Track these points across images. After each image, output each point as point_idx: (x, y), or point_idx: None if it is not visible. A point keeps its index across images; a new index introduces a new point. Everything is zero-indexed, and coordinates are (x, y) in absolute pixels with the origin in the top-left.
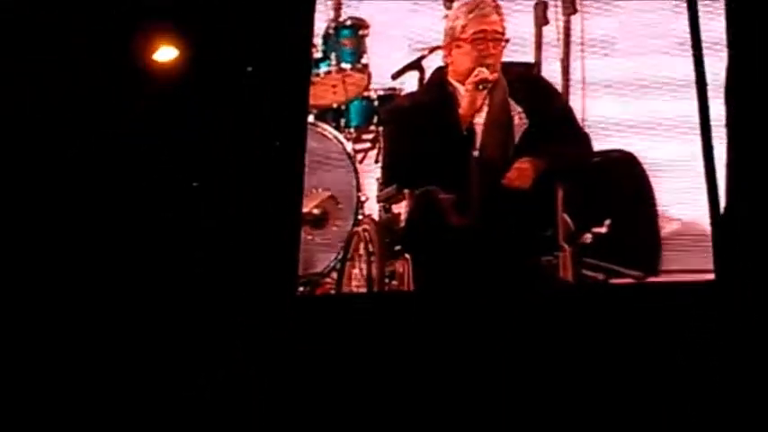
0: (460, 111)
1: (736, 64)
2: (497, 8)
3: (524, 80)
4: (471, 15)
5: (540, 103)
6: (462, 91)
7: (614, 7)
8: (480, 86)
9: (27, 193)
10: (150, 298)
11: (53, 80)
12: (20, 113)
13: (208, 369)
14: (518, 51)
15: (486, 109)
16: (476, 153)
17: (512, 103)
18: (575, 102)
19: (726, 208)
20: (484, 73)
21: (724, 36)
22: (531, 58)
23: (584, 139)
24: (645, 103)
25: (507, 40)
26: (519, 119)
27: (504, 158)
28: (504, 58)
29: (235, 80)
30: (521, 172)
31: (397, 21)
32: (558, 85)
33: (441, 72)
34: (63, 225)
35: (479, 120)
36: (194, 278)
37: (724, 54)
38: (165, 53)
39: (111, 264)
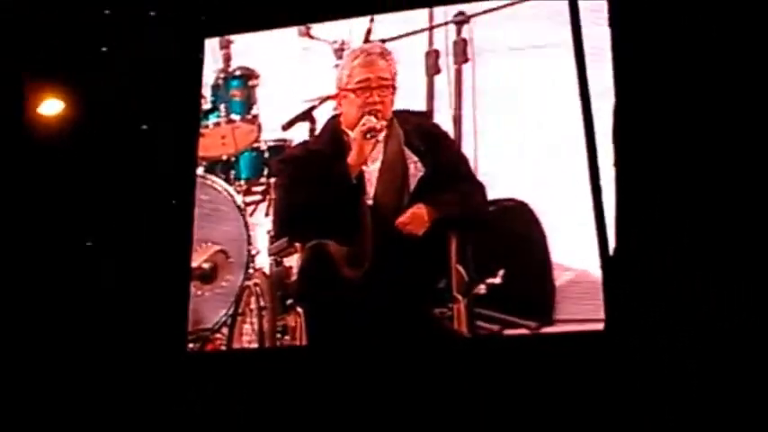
0: (349, 160)
1: (622, 106)
2: (383, 54)
3: (420, 128)
4: (355, 63)
5: (435, 151)
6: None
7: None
8: (368, 135)
9: None
10: (43, 353)
11: None
12: None
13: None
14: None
15: (380, 157)
16: (370, 202)
17: (407, 151)
18: (467, 151)
19: (614, 251)
20: (371, 122)
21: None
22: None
23: (479, 187)
24: (539, 154)
25: (395, 87)
26: (414, 168)
27: (398, 207)
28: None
29: (125, 134)
30: (414, 217)
31: (287, 70)
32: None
33: (334, 121)
34: None
35: (373, 168)
36: (84, 335)
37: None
38: (53, 107)
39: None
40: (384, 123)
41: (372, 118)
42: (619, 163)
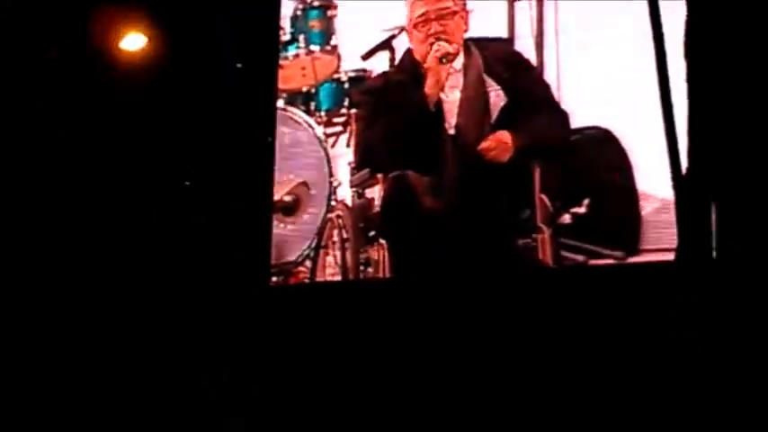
0: (426, 89)
1: (693, 17)
2: None
3: (501, 56)
4: None
5: (517, 79)
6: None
7: None
8: (443, 60)
9: None
10: (124, 293)
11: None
12: None
13: (190, 364)
14: None
15: (460, 86)
16: (451, 131)
17: (488, 80)
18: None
19: (687, 173)
20: (444, 47)
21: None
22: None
23: (563, 116)
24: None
25: (464, 12)
26: (496, 96)
27: (480, 136)
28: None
29: (206, 68)
30: (498, 142)
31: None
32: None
33: (409, 53)
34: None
35: (453, 97)
36: (167, 271)
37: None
38: (133, 41)
39: (82, 258)
40: (457, 47)
41: (444, 43)
42: (691, 79)
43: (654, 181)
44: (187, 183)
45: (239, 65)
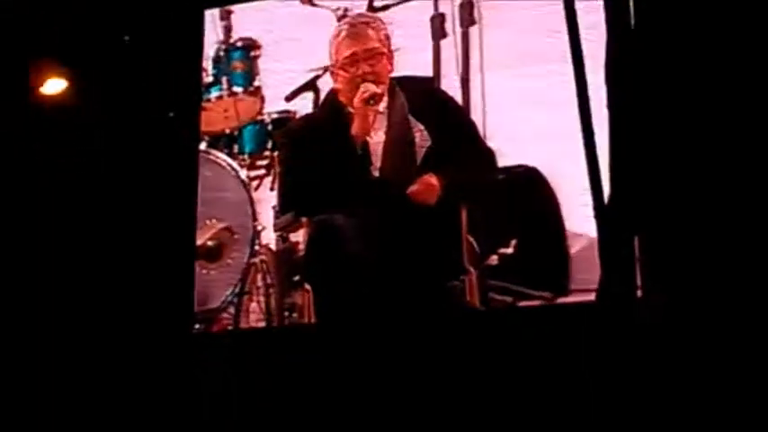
0: (352, 130)
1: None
2: (369, 23)
3: (424, 95)
4: (340, 38)
5: (441, 118)
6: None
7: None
8: (371, 101)
9: None
10: (48, 338)
11: None
12: None
13: (113, 411)
14: None
15: (384, 127)
16: (377, 174)
17: (412, 120)
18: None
19: (609, 200)
20: (371, 88)
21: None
22: None
23: (489, 155)
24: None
25: (389, 52)
26: (420, 136)
27: (406, 178)
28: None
29: (124, 110)
30: (426, 186)
31: (289, 40)
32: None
33: (333, 95)
34: None
35: (378, 139)
36: (89, 317)
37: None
38: (54, 86)
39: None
40: (384, 88)
41: (371, 84)
42: (611, 104)
43: (582, 220)
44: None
45: (171, 113)
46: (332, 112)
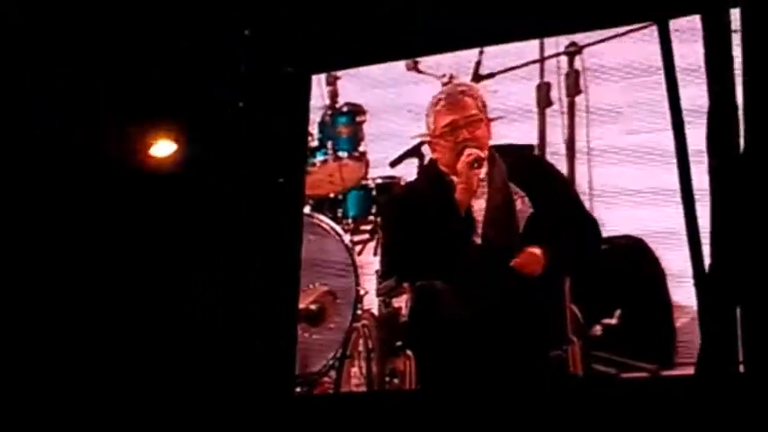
0: (456, 195)
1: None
2: (465, 92)
3: (525, 163)
4: (438, 108)
5: (543, 185)
6: (455, 178)
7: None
8: (475, 164)
9: None
10: (153, 400)
11: None
12: None
13: None
14: None
15: (486, 194)
16: (478, 240)
17: (512, 186)
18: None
19: (710, 268)
20: (474, 152)
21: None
22: None
23: (593, 225)
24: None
25: (488, 119)
26: (521, 203)
27: (508, 245)
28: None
29: (233, 174)
30: (531, 257)
31: (395, 105)
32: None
33: (432, 164)
34: None
35: (479, 206)
36: (194, 380)
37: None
38: (162, 148)
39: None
40: (486, 153)
41: (474, 149)
42: (713, 170)
43: (688, 291)
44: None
45: (281, 179)
46: (434, 180)
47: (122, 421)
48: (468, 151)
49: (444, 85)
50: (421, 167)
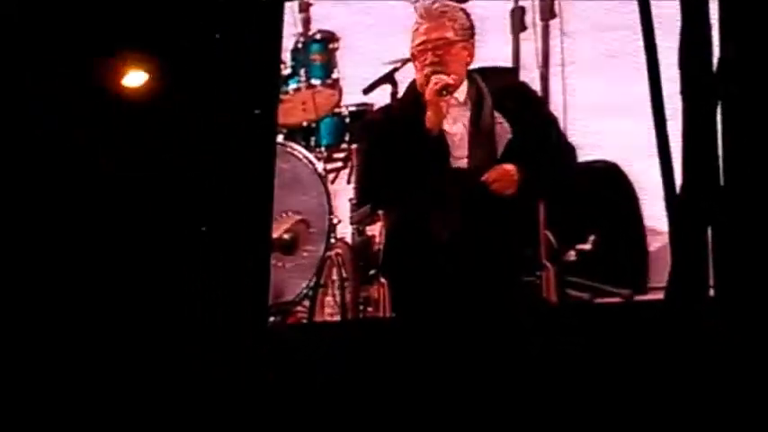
0: (426, 122)
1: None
2: (446, 12)
3: (507, 87)
4: (414, 27)
5: (523, 112)
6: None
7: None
8: (443, 92)
9: None
10: (124, 333)
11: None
12: None
13: (185, 406)
14: None
15: (466, 118)
16: (459, 164)
17: (496, 113)
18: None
19: (681, 191)
20: (442, 79)
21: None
22: None
23: (570, 150)
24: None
25: (465, 42)
26: (501, 128)
27: (487, 169)
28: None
29: (201, 103)
30: (503, 173)
31: (368, 32)
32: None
33: (413, 84)
34: None
35: (457, 129)
36: (165, 311)
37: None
38: (135, 79)
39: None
40: (456, 78)
41: (443, 75)
42: (685, 90)
43: (662, 216)
44: (203, 228)
45: (256, 110)
46: (411, 103)
47: (91, 358)
48: (435, 78)
49: (423, 6)
50: (395, 93)
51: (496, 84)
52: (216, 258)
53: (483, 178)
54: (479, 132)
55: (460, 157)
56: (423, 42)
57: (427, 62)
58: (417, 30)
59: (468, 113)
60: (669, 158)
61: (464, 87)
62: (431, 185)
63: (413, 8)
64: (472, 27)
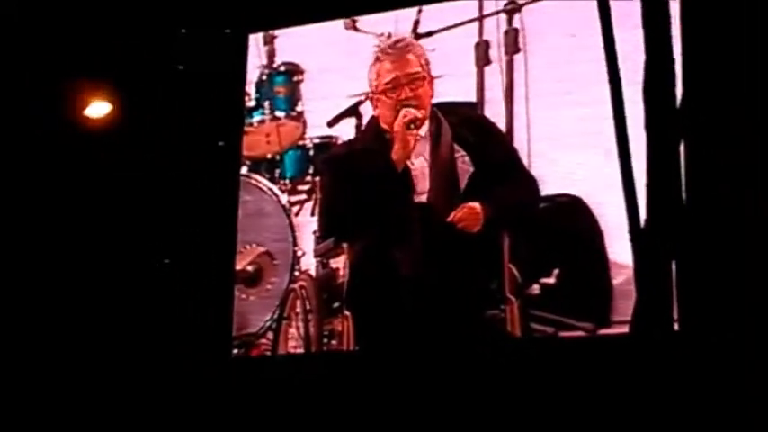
0: (393, 155)
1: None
2: (409, 48)
3: (467, 121)
4: (380, 63)
5: (484, 145)
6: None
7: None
8: (411, 126)
9: None
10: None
11: None
12: None
13: None
14: None
15: (427, 153)
16: (419, 199)
17: (456, 147)
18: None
19: (646, 224)
20: (412, 113)
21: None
22: None
23: (531, 183)
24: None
25: (430, 77)
26: (462, 162)
27: (449, 204)
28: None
29: (167, 135)
30: (470, 212)
31: (333, 65)
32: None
33: (374, 120)
34: None
35: (419, 164)
36: (128, 338)
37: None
38: (100, 110)
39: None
40: (424, 113)
41: (412, 109)
42: (649, 125)
43: (625, 250)
44: (166, 261)
45: (220, 142)
46: (373, 138)
47: (59, 383)
48: (404, 111)
49: (384, 42)
50: (359, 126)
51: (457, 118)
52: (179, 291)
53: (449, 218)
54: (441, 166)
55: (422, 191)
56: (395, 78)
57: (401, 97)
58: (383, 65)
59: (428, 147)
60: (633, 192)
61: (426, 122)
62: (394, 220)
63: (377, 41)
64: (430, 62)
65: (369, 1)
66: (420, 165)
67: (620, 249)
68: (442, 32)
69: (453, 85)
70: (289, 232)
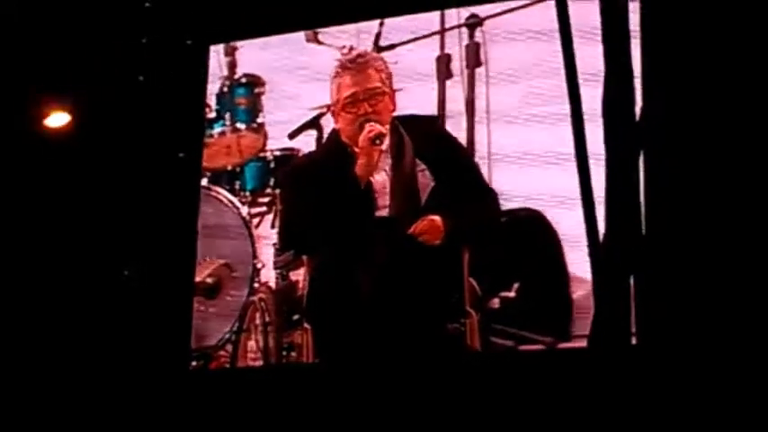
0: (357, 170)
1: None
2: (369, 63)
3: (428, 135)
4: (340, 78)
5: (444, 159)
6: (357, 149)
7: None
8: (377, 141)
9: None
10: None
11: None
12: None
13: None
14: None
15: (388, 167)
16: (380, 213)
17: (416, 160)
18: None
19: (604, 240)
20: (376, 128)
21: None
22: None
23: (492, 197)
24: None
25: (391, 91)
26: (423, 176)
27: (411, 218)
28: None
29: (127, 145)
30: (430, 224)
31: (294, 77)
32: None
33: (335, 134)
34: None
35: (380, 178)
36: (85, 350)
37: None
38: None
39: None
40: (387, 128)
41: (376, 124)
42: (608, 142)
43: (585, 264)
44: (125, 272)
45: (181, 154)
46: (334, 152)
47: (12, 394)
48: (369, 126)
49: (344, 56)
50: (320, 139)
51: (417, 131)
52: (138, 302)
53: (410, 230)
54: (401, 180)
55: (383, 205)
56: (354, 94)
57: (361, 112)
58: (343, 80)
59: (390, 162)
60: (592, 207)
61: (387, 137)
62: (355, 234)
63: (339, 54)
64: (391, 76)
65: (330, 13)
66: (381, 179)
67: (579, 263)
68: (404, 45)
69: (415, 99)
70: (249, 244)
